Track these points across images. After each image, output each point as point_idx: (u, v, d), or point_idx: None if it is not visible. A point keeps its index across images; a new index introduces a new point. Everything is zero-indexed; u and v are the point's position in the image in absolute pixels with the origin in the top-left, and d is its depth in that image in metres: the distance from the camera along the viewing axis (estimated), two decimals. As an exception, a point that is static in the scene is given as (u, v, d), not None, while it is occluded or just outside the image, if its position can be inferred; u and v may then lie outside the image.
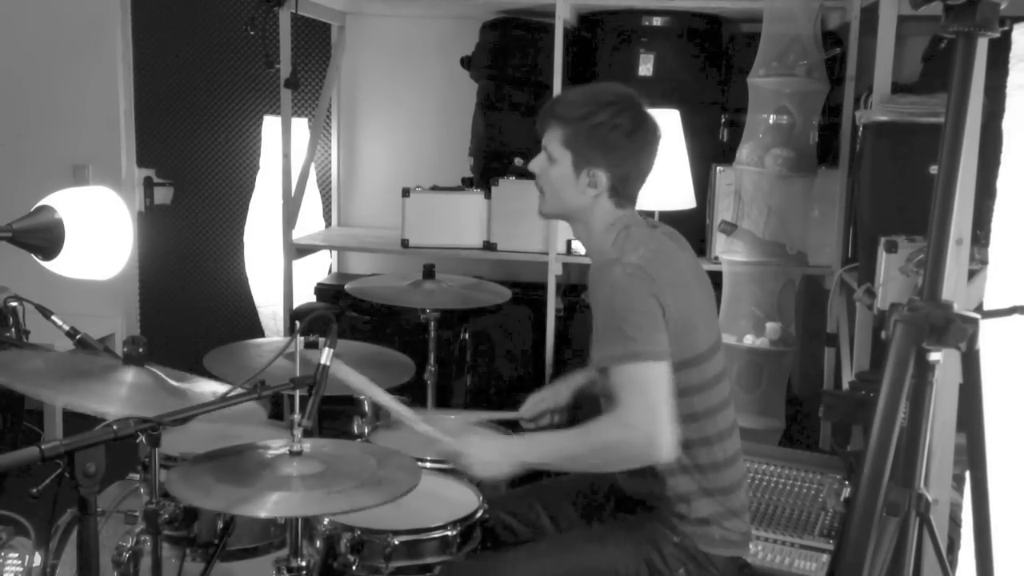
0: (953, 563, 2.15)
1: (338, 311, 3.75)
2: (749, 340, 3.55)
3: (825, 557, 2.43)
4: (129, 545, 2.01)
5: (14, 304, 1.95)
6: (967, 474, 1.65)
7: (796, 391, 3.80)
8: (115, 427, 1.43)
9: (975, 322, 1.53)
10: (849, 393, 2.88)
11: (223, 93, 4.58)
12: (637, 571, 2.03)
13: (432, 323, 3.03)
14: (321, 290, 4.16)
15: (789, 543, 2.49)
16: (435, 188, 3.86)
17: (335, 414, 2.67)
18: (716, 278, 3.60)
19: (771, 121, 3.52)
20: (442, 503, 2.16)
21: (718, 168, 3.61)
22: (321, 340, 1.86)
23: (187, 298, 4.73)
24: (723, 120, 3.81)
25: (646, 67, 3.69)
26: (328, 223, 4.54)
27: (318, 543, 2.07)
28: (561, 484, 2.35)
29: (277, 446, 1.88)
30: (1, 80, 4.48)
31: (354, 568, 2.01)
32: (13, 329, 1.95)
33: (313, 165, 4.29)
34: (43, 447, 1.33)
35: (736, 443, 2.13)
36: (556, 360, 3.78)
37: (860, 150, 3.35)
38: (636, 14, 3.70)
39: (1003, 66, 2.06)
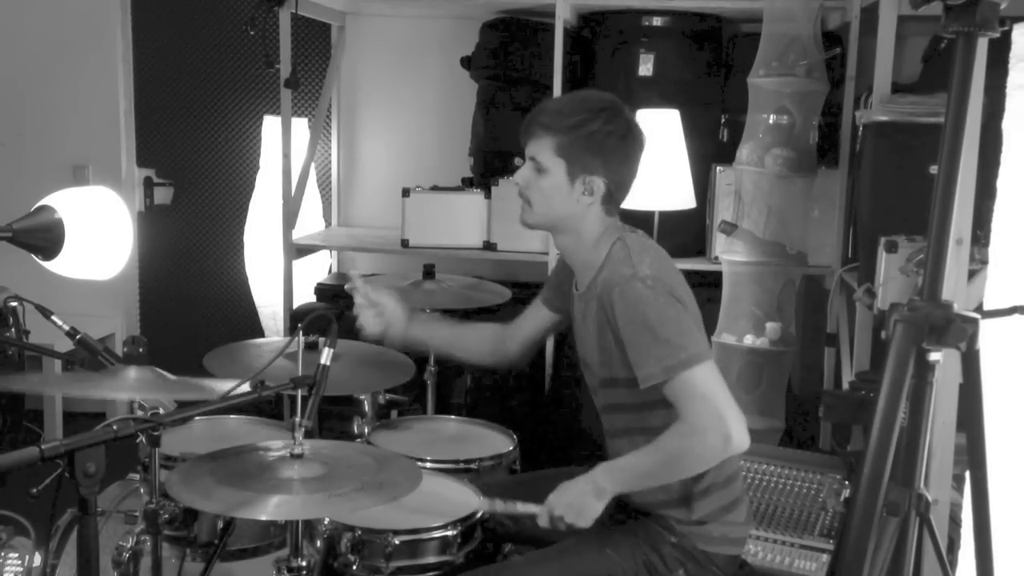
0: (953, 563, 2.15)
1: (338, 311, 3.74)
2: (749, 340, 3.55)
3: (825, 557, 2.43)
4: (129, 545, 2.01)
5: (14, 304, 1.95)
6: (967, 474, 1.65)
7: (796, 391, 3.80)
8: (115, 427, 1.43)
9: (975, 322, 1.53)
10: (849, 393, 2.88)
11: (223, 93, 4.58)
12: (636, 574, 2.03)
13: (432, 323, 3.02)
14: (321, 290, 4.16)
15: (789, 543, 2.49)
16: (435, 188, 3.86)
17: (335, 414, 2.67)
18: (716, 278, 3.61)
19: (771, 121, 3.52)
20: (442, 503, 2.16)
21: (718, 168, 3.61)
22: (321, 340, 1.86)
23: (187, 298, 4.73)
24: (723, 120, 3.82)
25: (646, 67, 3.69)
26: (328, 223, 4.54)
27: (318, 543, 2.06)
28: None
29: (278, 448, 1.88)
30: (1, 80, 4.48)
31: (354, 568, 2.01)
32: (13, 329, 1.95)
33: (313, 165, 4.30)
34: (43, 447, 1.33)
35: None
36: (555, 360, 3.78)
37: (860, 150, 3.35)
38: (636, 14, 3.70)
39: (1003, 66, 2.06)
